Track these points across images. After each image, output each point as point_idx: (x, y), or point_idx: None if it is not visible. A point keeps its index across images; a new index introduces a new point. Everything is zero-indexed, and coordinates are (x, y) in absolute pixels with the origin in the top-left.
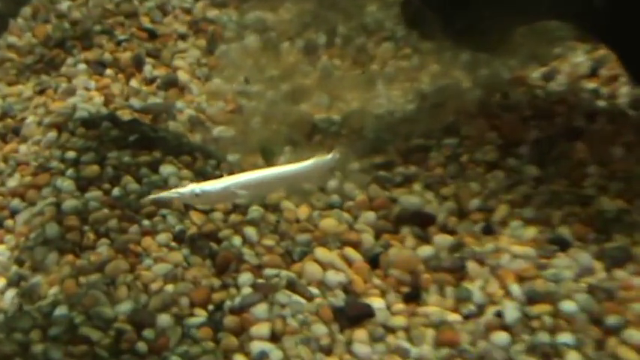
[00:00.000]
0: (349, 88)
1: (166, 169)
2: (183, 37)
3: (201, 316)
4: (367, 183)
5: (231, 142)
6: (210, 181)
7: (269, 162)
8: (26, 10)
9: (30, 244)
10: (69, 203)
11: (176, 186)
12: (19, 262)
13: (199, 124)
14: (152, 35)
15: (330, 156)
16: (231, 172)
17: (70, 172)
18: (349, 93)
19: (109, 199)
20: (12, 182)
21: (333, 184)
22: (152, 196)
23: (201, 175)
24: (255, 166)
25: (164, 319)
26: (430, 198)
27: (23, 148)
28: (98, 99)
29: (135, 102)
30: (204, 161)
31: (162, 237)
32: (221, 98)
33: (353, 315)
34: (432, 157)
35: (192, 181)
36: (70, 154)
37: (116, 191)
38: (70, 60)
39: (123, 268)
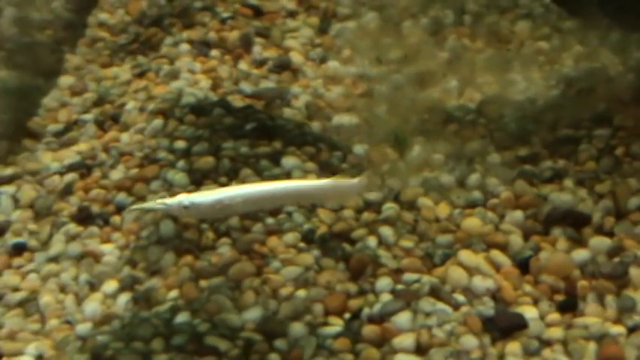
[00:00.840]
0: (482, 72)
1: (289, 162)
2: (292, 14)
3: (337, 325)
4: (512, 178)
5: (355, 131)
6: (201, 192)
7: (402, 153)
8: None
9: (142, 243)
10: None
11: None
12: (132, 264)
13: (318, 111)
14: (258, 12)
15: (355, 180)
16: (356, 167)
17: (181, 163)
18: (482, 77)
19: None
20: (116, 174)
21: (474, 178)
22: (135, 206)
23: (327, 169)
24: (384, 157)
25: (297, 328)
26: (583, 195)
27: (125, 136)
28: (205, 83)
29: (245, 86)
30: (330, 153)
31: (290, 237)
32: (339, 83)
33: (504, 326)
34: (583, 149)
35: (317, 174)
36: (180, 144)
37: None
38: (169, 40)
39: (248, 271)
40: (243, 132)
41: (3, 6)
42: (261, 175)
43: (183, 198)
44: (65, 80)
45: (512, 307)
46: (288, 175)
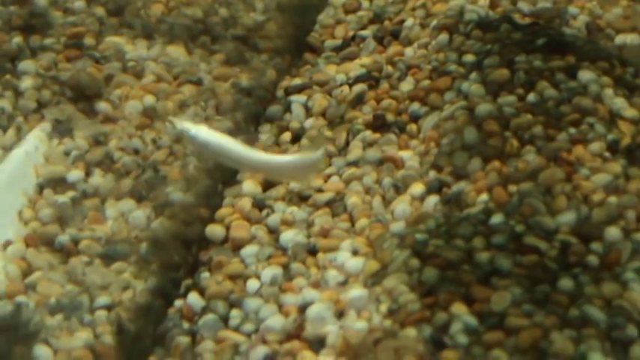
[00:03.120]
0: None
1: (585, 75)
2: None
3: None
4: None
5: (639, 51)
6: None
7: None
8: None
9: (446, 149)
10: (483, 108)
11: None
12: (437, 168)
13: (597, 31)
14: None
15: (315, 154)
16: None
17: (473, 75)
18: None
19: (524, 105)
20: (406, 86)
21: None
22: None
23: (621, 83)
24: None
25: (612, 232)
26: None
27: (409, 51)
28: (483, 1)
29: (523, 5)
30: (622, 69)
31: (595, 146)
32: (616, 4)
33: None
34: None
35: (614, 89)
36: (469, 58)
37: (531, 97)
38: None
39: (558, 177)
40: (534, 46)
41: None
42: (558, 88)
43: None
44: None
45: None
46: (585, 88)
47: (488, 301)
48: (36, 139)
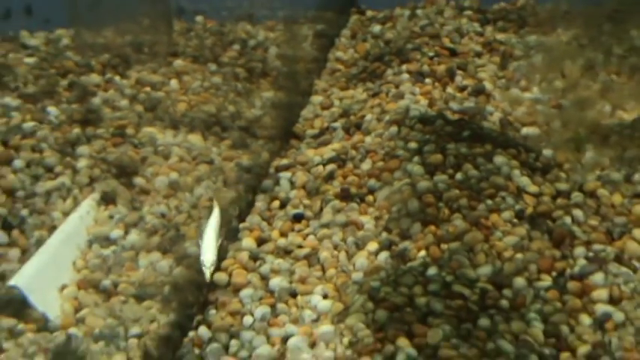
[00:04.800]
0: (628, 98)
1: (499, 160)
2: (479, 54)
3: (547, 280)
4: None
5: (538, 140)
6: None
7: (580, 152)
8: (346, 32)
9: (394, 216)
10: (422, 184)
11: (508, 174)
12: (388, 230)
13: (508, 125)
14: (453, 53)
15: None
16: (547, 165)
17: (416, 159)
18: (628, 103)
19: (454, 182)
20: (365, 166)
21: (637, 176)
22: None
23: (526, 165)
24: (567, 159)
25: (519, 281)
26: None
27: (368, 139)
28: (423, 102)
29: (453, 105)
30: (527, 154)
31: (506, 214)
32: (521, 104)
33: None
34: None
35: (520, 170)
36: (413, 145)
37: (459, 176)
38: (389, 71)
39: (479, 239)
40: (461, 137)
41: (269, 45)
42: (479, 169)
43: None
44: (316, 98)
45: None
46: (499, 170)
47: (425, 336)
48: (88, 206)
